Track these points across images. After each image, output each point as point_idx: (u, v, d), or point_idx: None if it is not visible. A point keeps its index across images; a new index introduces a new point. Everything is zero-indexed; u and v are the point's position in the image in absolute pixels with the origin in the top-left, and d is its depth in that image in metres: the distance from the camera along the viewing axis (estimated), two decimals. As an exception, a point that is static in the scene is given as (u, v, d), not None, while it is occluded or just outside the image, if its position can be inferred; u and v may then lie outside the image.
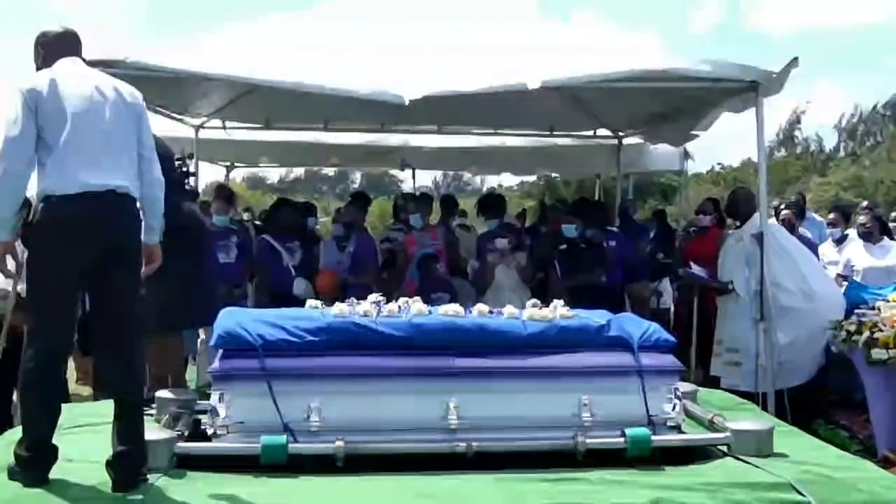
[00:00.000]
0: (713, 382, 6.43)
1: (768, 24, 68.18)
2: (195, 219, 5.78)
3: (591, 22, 51.14)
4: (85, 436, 4.05)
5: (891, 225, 8.72)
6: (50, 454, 3.45)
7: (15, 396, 5.65)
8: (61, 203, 3.38)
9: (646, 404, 4.01)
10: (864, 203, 8.95)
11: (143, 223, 3.70)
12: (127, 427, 3.50)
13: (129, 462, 3.43)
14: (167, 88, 6.16)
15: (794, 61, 5.97)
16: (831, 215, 8.37)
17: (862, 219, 7.36)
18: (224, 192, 8.13)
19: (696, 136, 8.29)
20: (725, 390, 5.72)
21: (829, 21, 68.93)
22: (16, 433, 3.85)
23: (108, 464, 3.42)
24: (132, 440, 3.47)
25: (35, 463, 3.41)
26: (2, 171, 3.37)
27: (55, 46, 3.69)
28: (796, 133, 34.97)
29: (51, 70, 3.57)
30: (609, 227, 8.01)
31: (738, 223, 6.92)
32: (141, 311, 3.67)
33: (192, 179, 7.78)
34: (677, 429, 4.10)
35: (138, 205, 3.63)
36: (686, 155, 9.69)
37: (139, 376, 3.58)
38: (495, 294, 6.99)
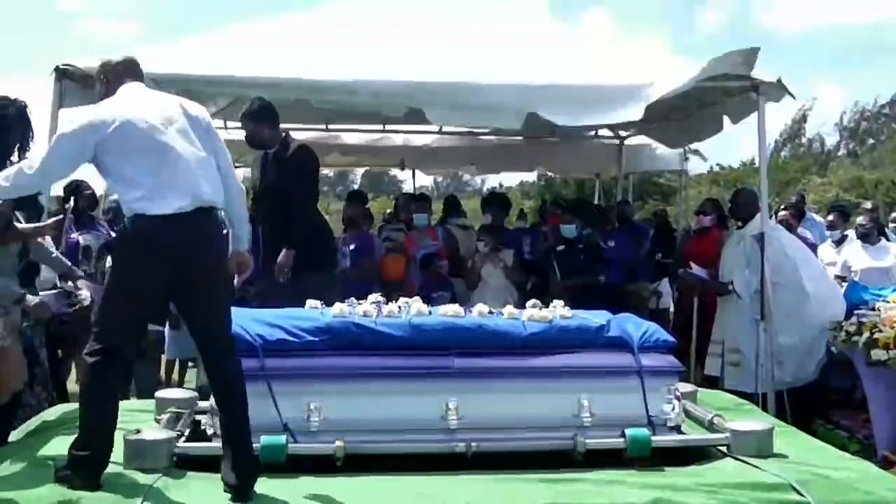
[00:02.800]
0: (711, 382, 6.43)
1: (776, 24, 68.21)
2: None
3: (600, 22, 51.24)
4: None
5: (891, 225, 8.74)
6: (104, 457, 3.44)
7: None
8: (151, 222, 3.39)
9: (645, 405, 4.01)
10: (868, 204, 8.94)
11: (230, 233, 3.76)
12: (246, 440, 3.51)
13: (252, 469, 3.45)
14: (168, 89, 6.13)
15: (755, 50, 5.93)
16: (830, 216, 8.37)
17: (861, 219, 7.36)
18: None
19: (700, 140, 8.29)
20: (726, 391, 5.72)
21: (836, 20, 68.96)
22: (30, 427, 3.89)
23: (232, 470, 3.42)
24: (247, 446, 3.49)
25: (90, 463, 3.39)
26: (39, 170, 3.45)
27: (118, 73, 3.72)
28: (802, 132, 34.96)
29: (119, 95, 3.61)
30: (609, 228, 8.01)
31: (739, 224, 6.92)
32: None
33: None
34: (677, 429, 4.10)
35: (221, 215, 3.70)
36: (690, 153, 9.67)
37: (240, 385, 3.56)
38: (481, 293, 6.98)
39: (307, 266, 5.62)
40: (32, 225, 4.23)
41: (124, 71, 3.72)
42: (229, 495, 3.35)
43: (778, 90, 6.09)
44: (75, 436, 3.47)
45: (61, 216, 4.40)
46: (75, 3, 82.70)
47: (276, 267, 5.55)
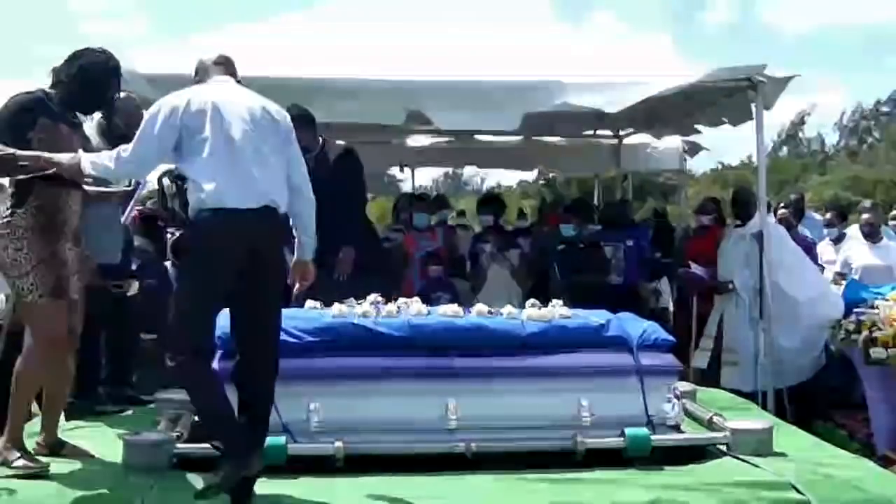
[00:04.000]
0: (711, 381, 6.44)
1: (778, 24, 68.22)
2: None
3: (604, 23, 51.21)
4: (84, 436, 4.06)
5: (890, 223, 8.73)
6: (242, 445, 3.37)
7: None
8: (216, 217, 3.38)
9: (645, 404, 4.02)
10: (867, 202, 8.93)
11: (294, 240, 3.74)
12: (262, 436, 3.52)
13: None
14: (167, 89, 6.13)
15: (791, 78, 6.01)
16: (828, 215, 8.37)
17: (866, 216, 7.34)
18: None
19: (698, 133, 8.29)
20: (725, 390, 5.72)
21: (838, 20, 68.94)
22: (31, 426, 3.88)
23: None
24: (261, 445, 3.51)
25: (234, 455, 3.33)
26: (114, 167, 3.51)
27: (208, 68, 3.73)
28: (799, 133, 34.98)
29: (203, 85, 3.62)
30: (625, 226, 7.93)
31: (738, 222, 6.92)
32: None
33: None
34: (677, 428, 4.11)
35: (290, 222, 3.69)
36: (692, 151, 9.62)
37: (273, 390, 3.58)
38: (487, 293, 6.99)
39: (359, 266, 5.65)
40: (100, 189, 4.10)
41: (213, 66, 3.73)
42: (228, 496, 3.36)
43: (774, 88, 6.08)
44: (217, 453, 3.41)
45: (131, 188, 4.37)
46: (80, 2, 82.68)
47: (337, 264, 5.56)
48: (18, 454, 3.52)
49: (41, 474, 3.48)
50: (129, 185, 4.36)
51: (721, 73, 6.03)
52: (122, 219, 3.83)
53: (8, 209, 3.58)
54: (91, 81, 3.75)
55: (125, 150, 3.48)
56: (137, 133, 3.47)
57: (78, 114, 3.89)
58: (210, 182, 3.37)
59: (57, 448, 3.80)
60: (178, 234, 6.49)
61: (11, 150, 3.53)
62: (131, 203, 3.92)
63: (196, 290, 3.46)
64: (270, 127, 3.58)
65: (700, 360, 6.74)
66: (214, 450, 3.42)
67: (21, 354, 3.65)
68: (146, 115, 3.51)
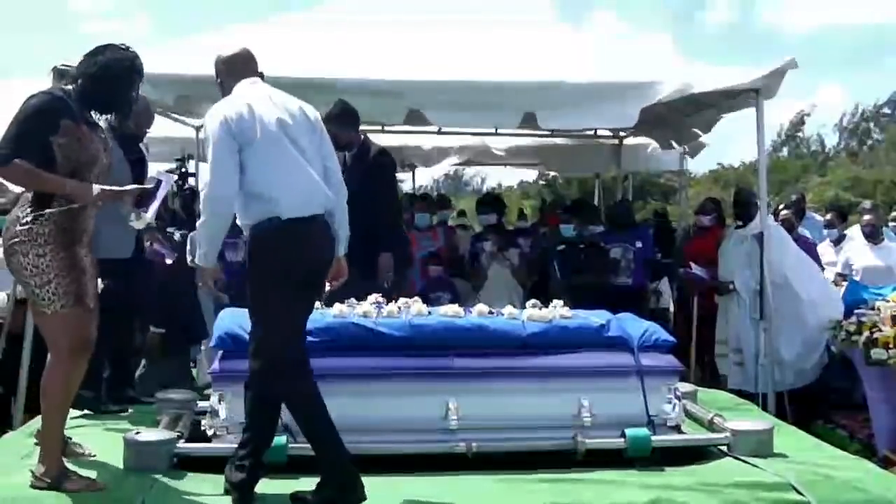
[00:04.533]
0: (713, 382, 6.44)
1: (779, 24, 68.11)
2: None
3: (605, 23, 51.23)
4: (84, 436, 4.06)
5: (891, 224, 8.73)
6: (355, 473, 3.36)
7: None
8: (284, 228, 3.38)
9: (646, 404, 4.02)
10: (867, 203, 8.93)
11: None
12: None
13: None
14: (168, 89, 6.13)
15: (791, 62, 5.96)
16: (829, 215, 8.36)
17: (868, 217, 7.33)
18: None
19: (699, 136, 8.27)
20: (731, 391, 5.72)
21: (840, 20, 68.82)
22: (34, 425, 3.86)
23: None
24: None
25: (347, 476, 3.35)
26: (207, 216, 3.43)
27: (230, 68, 3.66)
28: (799, 134, 34.96)
29: (238, 94, 3.54)
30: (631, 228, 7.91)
31: (739, 223, 6.92)
32: None
33: (191, 179, 7.79)
34: (677, 429, 4.11)
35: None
36: (693, 151, 9.61)
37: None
38: (488, 293, 7.00)
39: (394, 267, 5.66)
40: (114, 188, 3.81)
41: (236, 64, 3.65)
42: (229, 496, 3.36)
43: (775, 80, 6.07)
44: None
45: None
46: (82, 2, 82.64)
47: (379, 269, 5.50)
48: (65, 476, 3.38)
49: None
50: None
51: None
52: (149, 214, 3.73)
53: (29, 215, 3.43)
54: (113, 79, 3.56)
55: (204, 197, 3.43)
56: (213, 169, 3.38)
57: (94, 112, 3.66)
58: (275, 192, 3.37)
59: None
60: (177, 233, 6.48)
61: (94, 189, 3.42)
62: (157, 198, 3.79)
63: (280, 303, 3.40)
64: (310, 127, 3.59)
65: (723, 366, 6.70)
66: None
67: (45, 369, 3.49)
68: (210, 144, 3.41)
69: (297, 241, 3.38)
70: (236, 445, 3.55)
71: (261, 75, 3.68)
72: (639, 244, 7.43)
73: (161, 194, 3.82)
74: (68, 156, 3.44)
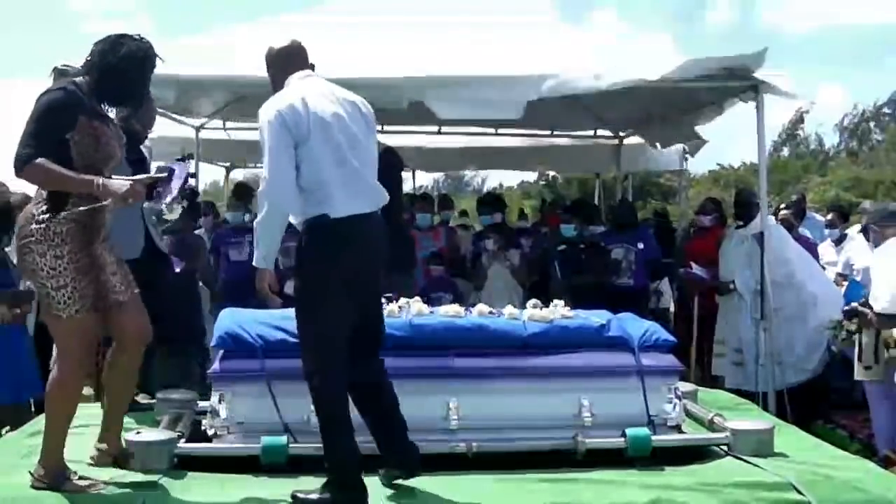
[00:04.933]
0: (713, 382, 6.44)
1: (780, 24, 68.10)
2: None
3: (605, 22, 51.26)
4: (85, 437, 4.05)
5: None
6: (361, 481, 3.36)
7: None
8: (339, 224, 3.35)
9: (646, 404, 4.01)
10: (867, 203, 8.93)
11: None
12: (399, 424, 3.54)
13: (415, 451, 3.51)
14: (168, 89, 6.13)
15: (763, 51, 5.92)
16: (829, 216, 8.37)
17: (868, 217, 7.33)
18: (241, 191, 8.12)
19: (700, 139, 8.28)
20: (730, 390, 5.72)
21: (841, 21, 68.74)
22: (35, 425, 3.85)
23: (393, 459, 3.48)
24: (405, 438, 3.54)
25: (353, 485, 3.34)
26: (266, 211, 3.35)
27: (282, 61, 3.59)
28: (798, 132, 34.94)
29: (292, 89, 3.48)
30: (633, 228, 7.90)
31: (740, 223, 6.93)
32: None
33: (192, 180, 7.77)
34: (677, 429, 4.10)
35: None
36: (693, 150, 9.61)
37: (389, 381, 3.59)
38: (489, 293, 7.00)
39: (393, 266, 5.67)
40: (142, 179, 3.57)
41: (288, 58, 3.59)
42: (229, 496, 3.35)
43: (777, 84, 6.06)
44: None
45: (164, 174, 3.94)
46: (83, 2, 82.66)
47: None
48: (65, 477, 3.34)
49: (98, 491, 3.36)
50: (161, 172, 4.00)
51: (721, 62, 5.97)
52: (166, 201, 3.65)
53: (45, 212, 3.31)
54: (128, 71, 3.42)
55: (262, 195, 3.36)
56: (270, 164, 3.31)
57: (105, 105, 3.53)
58: (326, 189, 3.34)
59: (122, 459, 3.59)
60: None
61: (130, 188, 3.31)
62: (173, 189, 3.67)
63: (327, 301, 3.37)
64: (364, 123, 3.55)
65: (718, 366, 6.72)
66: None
67: (52, 370, 3.43)
68: (264, 142, 3.35)
69: (347, 239, 3.36)
70: (237, 445, 3.55)
71: (311, 67, 3.63)
72: (640, 245, 7.42)
73: (177, 184, 3.74)
74: (83, 153, 3.34)
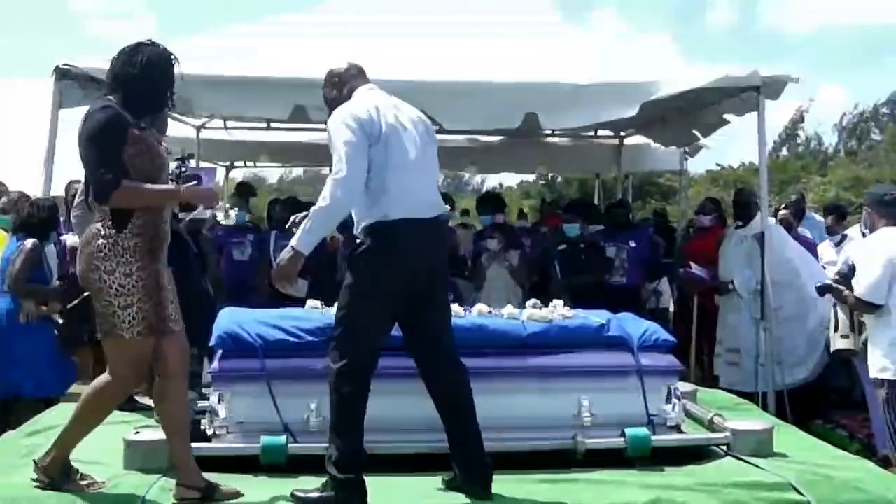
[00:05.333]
0: (712, 382, 6.44)
1: (782, 24, 68.16)
2: None
3: (608, 23, 51.25)
4: (85, 437, 4.05)
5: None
6: (362, 481, 3.38)
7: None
8: (398, 228, 3.41)
9: (645, 404, 4.01)
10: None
11: None
12: (477, 436, 3.55)
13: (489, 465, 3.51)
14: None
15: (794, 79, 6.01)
16: (828, 220, 8.36)
17: None
18: (243, 190, 8.12)
19: (699, 140, 8.27)
20: (725, 390, 5.72)
21: (842, 21, 68.78)
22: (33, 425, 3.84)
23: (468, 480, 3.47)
24: (481, 447, 3.54)
25: (353, 485, 3.36)
26: (332, 200, 3.38)
27: (351, 76, 3.74)
28: (799, 132, 34.94)
29: (363, 98, 3.60)
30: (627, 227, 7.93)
31: (739, 223, 6.93)
32: None
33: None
34: (677, 429, 4.10)
35: None
36: (693, 151, 9.62)
37: (469, 393, 3.60)
38: (488, 293, 7.00)
39: None
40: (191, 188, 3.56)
41: (356, 74, 3.74)
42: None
43: (777, 84, 6.08)
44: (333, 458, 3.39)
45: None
46: (86, 2, 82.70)
47: None
48: (68, 476, 3.35)
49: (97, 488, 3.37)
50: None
51: (724, 81, 6.03)
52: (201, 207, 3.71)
53: (111, 228, 3.26)
54: (153, 79, 3.39)
55: (334, 179, 3.38)
56: (344, 161, 3.36)
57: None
58: (386, 193, 3.41)
59: (207, 494, 3.38)
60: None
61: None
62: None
63: (373, 300, 3.43)
64: (427, 136, 3.65)
65: (719, 368, 6.72)
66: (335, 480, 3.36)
67: (98, 381, 3.40)
68: (339, 140, 3.40)
69: (404, 244, 3.42)
70: (236, 445, 3.54)
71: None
72: (632, 244, 7.48)
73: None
74: (139, 166, 3.29)
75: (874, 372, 4.70)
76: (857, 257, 4.94)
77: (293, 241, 3.45)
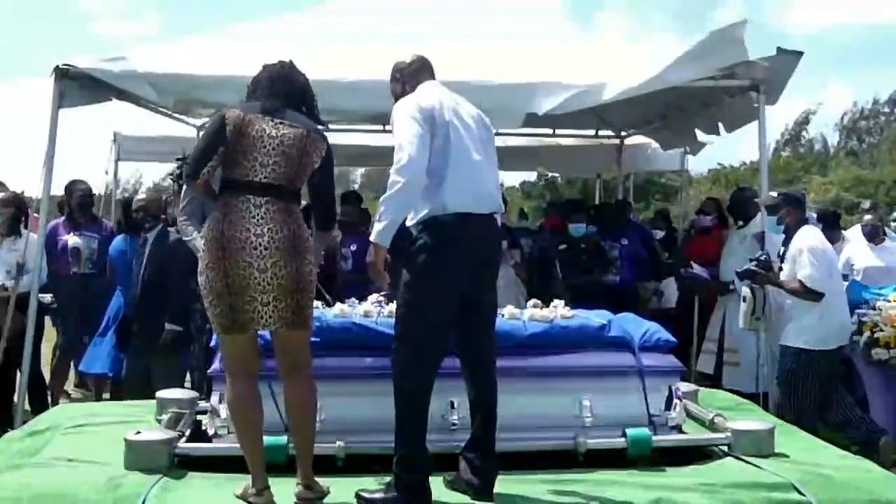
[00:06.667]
0: (705, 379, 6.44)
1: (786, 24, 67.94)
2: None
3: (613, 23, 51.26)
4: (85, 436, 4.06)
5: (892, 224, 8.71)
6: (427, 484, 3.40)
7: (15, 397, 5.69)
8: (454, 221, 3.45)
9: (646, 404, 4.01)
10: (867, 203, 8.91)
11: None
12: (491, 438, 3.55)
13: (495, 468, 3.51)
14: (168, 89, 6.14)
15: (797, 56, 5.94)
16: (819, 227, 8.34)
17: (869, 217, 7.33)
18: None
19: (701, 143, 8.27)
20: (726, 390, 5.71)
21: (847, 20, 68.59)
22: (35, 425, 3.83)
23: (473, 471, 3.47)
24: (493, 448, 3.54)
25: (418, 487, 3.38)
26: (406, 181, 3.39)
27: (414, 71, 3.78)
28: (803, 134, 34.96)
29: (427, 91, 3.65)
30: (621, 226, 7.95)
31: (740, 223, 6.93)
32: None
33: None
34: (678, 429, 4.10)
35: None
36: (694, 150, 9.59)
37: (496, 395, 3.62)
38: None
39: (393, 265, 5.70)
40: None
41: (419, 69, 3.78)
42: (229, 496, 3.35)
43: (775, 84, 6.04)
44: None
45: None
46: (92, 2, 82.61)
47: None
48: (262, 495, 3.35)
49: None
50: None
51: (707, 48, 5.97)
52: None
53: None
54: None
55: (397, 180, 3.40)
56: (408, 147, 3.40)
57: None
58: (446, 185, 3.45)
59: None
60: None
61: None
62: None
63: (431, 294, 3.43)
64: (487, 133, 3.69)
65: (705, 364, 6.74)
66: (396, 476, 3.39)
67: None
68: (403, 126, 3.46)
69: (459, 237, 3.44)
70: (237, 445, 3.54)
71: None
72: (625, 241, 7.51)
73: None
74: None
75: (792, 340, 5.34)
76: (793, 250, 5.40)
77: (372, 237, 3.48)
